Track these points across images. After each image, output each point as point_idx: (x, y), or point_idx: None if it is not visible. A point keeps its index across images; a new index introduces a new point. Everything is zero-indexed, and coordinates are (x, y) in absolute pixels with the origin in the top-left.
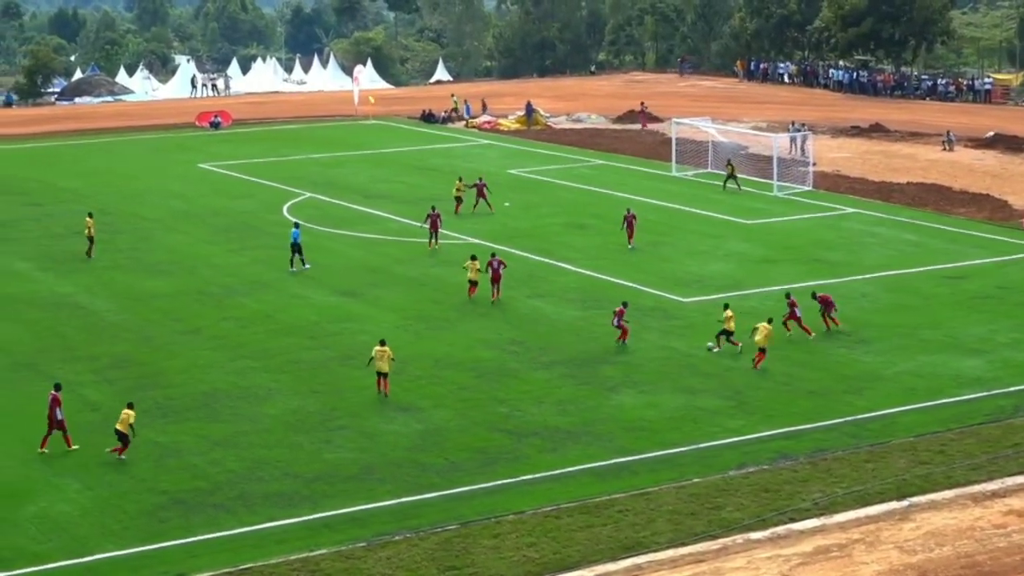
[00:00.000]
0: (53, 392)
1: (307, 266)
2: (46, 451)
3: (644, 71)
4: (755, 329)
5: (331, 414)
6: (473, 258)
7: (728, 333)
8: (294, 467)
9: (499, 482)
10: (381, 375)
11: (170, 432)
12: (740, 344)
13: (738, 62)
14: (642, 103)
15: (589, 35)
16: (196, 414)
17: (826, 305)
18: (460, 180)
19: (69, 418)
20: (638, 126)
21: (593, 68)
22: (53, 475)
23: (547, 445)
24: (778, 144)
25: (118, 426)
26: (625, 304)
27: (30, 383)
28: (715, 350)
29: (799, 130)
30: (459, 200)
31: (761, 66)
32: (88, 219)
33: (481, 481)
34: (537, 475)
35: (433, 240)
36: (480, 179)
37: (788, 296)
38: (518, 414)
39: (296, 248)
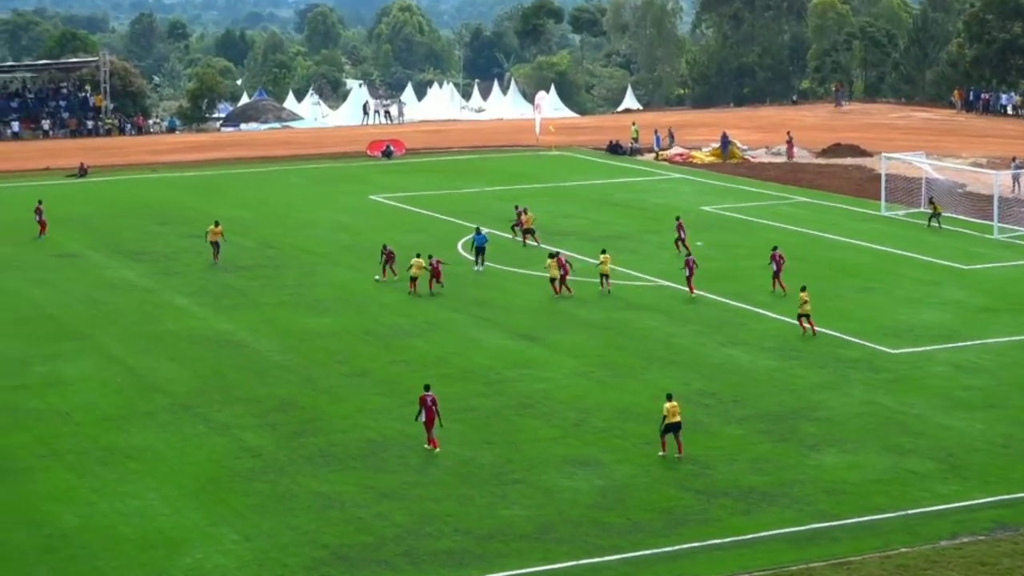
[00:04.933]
0: (431, 394)
1: (481, 268)
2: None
3: (851, 100)
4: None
5: (506, 467)
6: (551, 256)
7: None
8: (465, 523)
9: (686, 545)
10: (413, 279)
11: (333, 481)
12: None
13: (955, 92)
14: (788, 133)
15: (791, 61)
16: (362, 463)
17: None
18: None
19: (227, 465)
20: (846, 160)
21: (795, 97)
22: (209, 524)
23: (739, 507)
24: (1000, 182)
25: (675, 418)
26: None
27: (188, 425)
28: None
29: (1023, 167)
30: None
31: (981, 96)
32: (214, 226)
33: (666, 544)
34: (727, 539)
35: (387, 272)
36: (521, 208)
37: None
38: (708, 472)
39: (480, 251)
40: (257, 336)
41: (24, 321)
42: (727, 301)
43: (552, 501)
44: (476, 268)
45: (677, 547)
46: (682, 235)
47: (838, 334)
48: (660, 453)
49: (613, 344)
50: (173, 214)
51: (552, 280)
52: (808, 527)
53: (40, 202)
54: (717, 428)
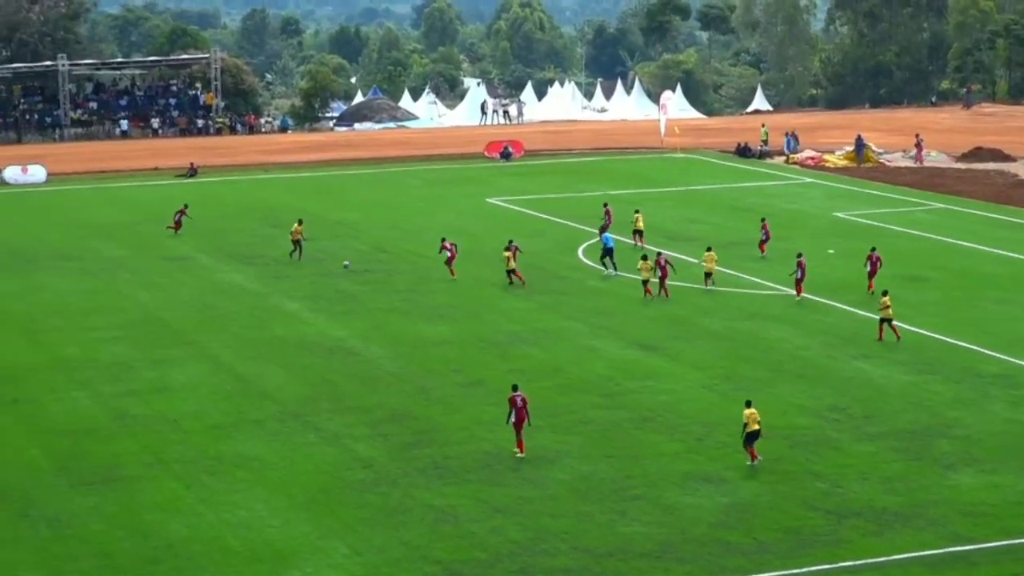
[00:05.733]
0: (520, 393)
1: (615, 272)
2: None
3: (994, 102)
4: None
5: (625, 482)
6: (644, 258)
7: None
8: (583, 540)
9: (815, 567)
10: (510, 271)
11: (447, 495)
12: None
13: None
14: (917, 135)
15: (930, 60)
16: (476, 476)
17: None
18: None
19: (337, 476)
20: (987, 165)
21: (934, 98)
22: (319, 537)
23: (871, 528)
24: None
25: (754, 427)
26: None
27: (297, 434)
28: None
29: None
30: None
31: None
32: (297, 225)
33: (794, 566)
34: (859, 562)
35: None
36: (608, 207)
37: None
38: (838, 491)
39: (608, 253)
40: (368, 343)
41: (133, 324)
42: (858, 311)
43: (674, 518)
44: (607, 273)
45: (804, 569)
46: (766, 237)
47: (976, 347)
48: (748, 463)
49: (738, 355)
50: (285, 216)
51: (644, 282)
52: (944, 550)
53: (186, 205)
54: (848, 445)
